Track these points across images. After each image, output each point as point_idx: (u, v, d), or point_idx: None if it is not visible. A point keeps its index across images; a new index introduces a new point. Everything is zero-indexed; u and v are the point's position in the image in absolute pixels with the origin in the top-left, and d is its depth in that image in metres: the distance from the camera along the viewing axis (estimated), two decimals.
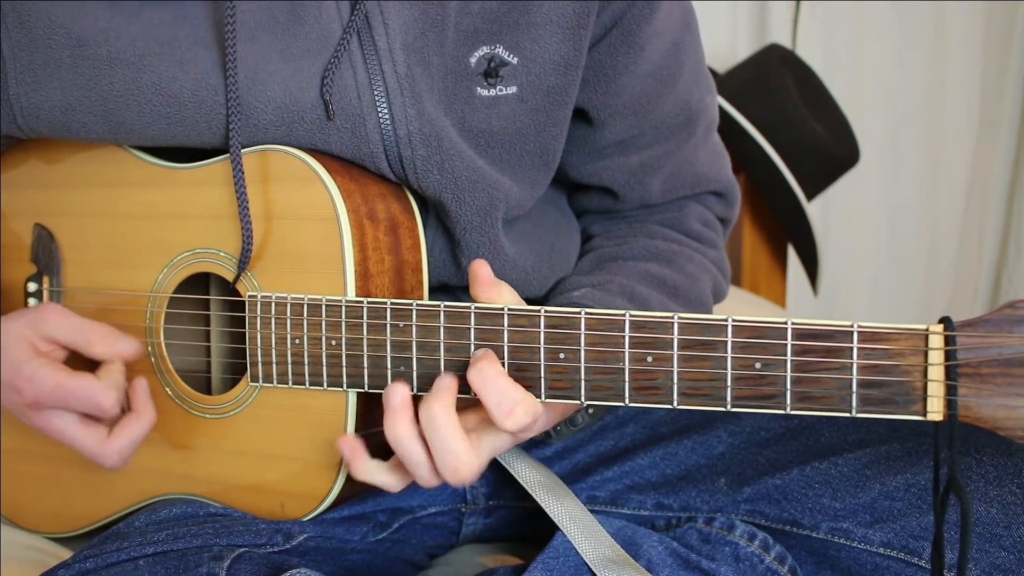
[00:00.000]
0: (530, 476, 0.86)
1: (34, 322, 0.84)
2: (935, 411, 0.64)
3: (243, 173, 0.82)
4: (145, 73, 0.82)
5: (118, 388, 0.83)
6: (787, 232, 1.96)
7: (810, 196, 1.89)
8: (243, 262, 0.82)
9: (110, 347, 0.84)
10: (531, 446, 0.98)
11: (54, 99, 0.83)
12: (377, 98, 0.83)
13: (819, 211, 2.13)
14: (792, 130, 1.83)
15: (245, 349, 0.83)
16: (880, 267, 2.35)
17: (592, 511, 0.87)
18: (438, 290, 0.95)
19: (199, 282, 0.92)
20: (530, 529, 0.97)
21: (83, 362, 0.85)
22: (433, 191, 0.86)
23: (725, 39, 2.18)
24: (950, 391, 0.63)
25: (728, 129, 1.82)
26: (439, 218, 0.90)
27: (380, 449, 0.85)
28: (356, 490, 0.85)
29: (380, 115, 0.83)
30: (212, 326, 0.95)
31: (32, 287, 0.93)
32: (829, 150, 1.87)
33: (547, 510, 0.84)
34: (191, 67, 0.82)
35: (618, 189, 0.99)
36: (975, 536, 0.76)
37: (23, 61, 0.83)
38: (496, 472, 0.98)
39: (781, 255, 2.08)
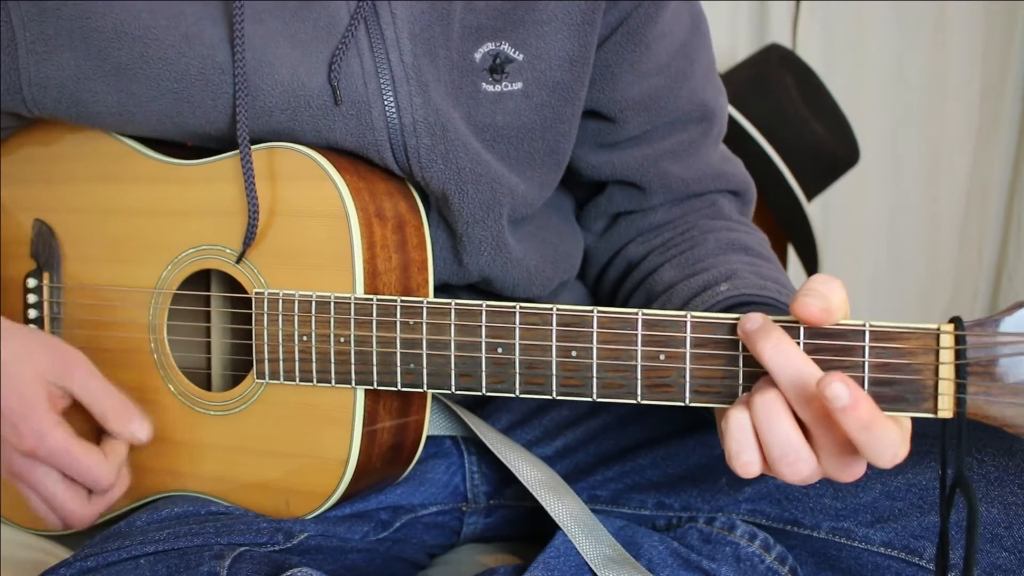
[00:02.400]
0: (531, 475, 0.86)
1: (60, 371, 0.84)
2: (945, 409, 0.64)
3: (249, 150, 0.82)
4: (151, 47, 0.82)
5: (120, 469, 0.85)
6: (787, 232, 1.96)
7: (810, 196, 1.89)
8: (248, 238, 0.82)
9: (123, 427, 0.85)
10: (532, 445, 0.98)
11: (67, 68, 0.83)
12: (383, 86, 0.83)
13: (819, 211, 2.13)
14: (792, 130, 1.83)
15: (250, 346, 0.83)
16: (880, 267, 2.35)
17: (593, 510, 0.87)
18: (439, 289, 0.94)
19: (203, 279, 0.91)
20: (531, 528, 0.97)
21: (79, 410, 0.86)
22: (437, 182, 0.86)
23: (725, 39, 2.17)
24: (960, 389, 0.63)
25: (728, 129, 1.81)
26: (441, 214, 0.90)
27: (387, 448, 0.84)
28: (361, 487, 0.85)
29: (386, 103, 0.83)
30: (216, 323, 0.94)
31: (32, 283, 0.93)
32: (829, 150, 1.87)
33: (548, 509, 0.84)
34: (197, 43, 0.82)
35: (636, 178, 0.98)
36: None
37: (34, 31, 0.83)
38: (497, 471, 0.98)
39: (781, 255, 2.08)
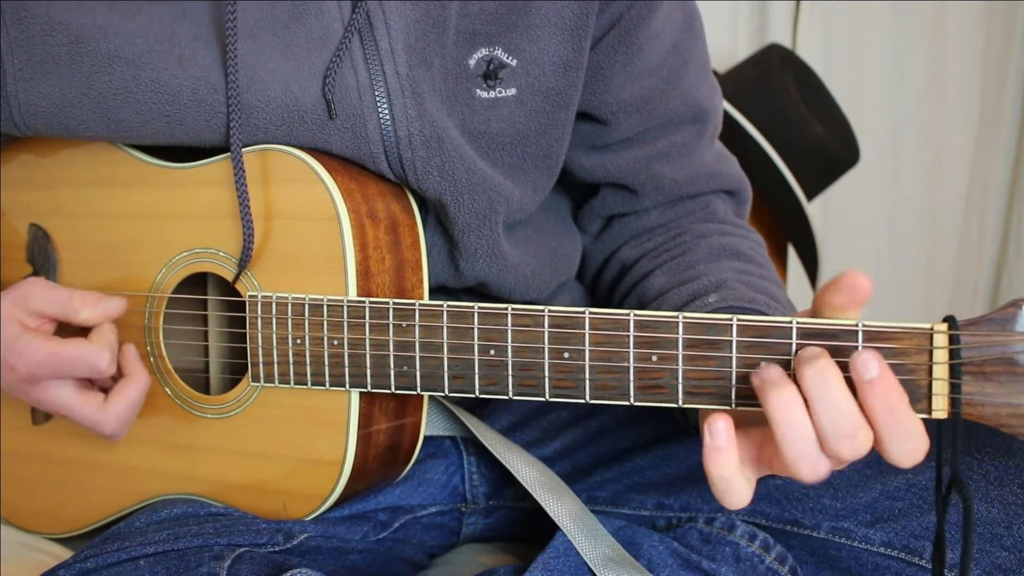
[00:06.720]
0: (530, 475, 0.86)
1: (19, 299, 0.84)
2: (940, 409, 0.64)
3: (244, 172, 0.82)
4: (144, 71, 0.82)
5: (111, 348, 0.83)
6: (787, 232, 1.95)
7: (810, 196, 1.88)
8: (244, 261, 0.82)
9: (95, 309, 0.84)
10: (531, 446, 0.98)
11: (52, 96, 0.83)
12: (378, 98, 0.83)
13: (819, 211, 2.13)
14: (792, 130, 1.83)
15: (245, 349, 0.83)
16: (880, 267, 2.35)
17: (592, 511, 0.87)
18: (437, 291, 0.94)
19: (198, 282, 0.92)
20: (530, 529, 0.97)
21: (74, 333, 0.85)
22: (433, 192, 0.86)
23: (725, 39, 2.17)
24: (954, 389, 0.63)
25: (728, 129, 1.81)
26: (438, 219, 0.90)
27: (384, 450, 0.84)
28: (358, 489, 0.85)
29: (381, 115, 0.83)
30: (212, 326, 0.95)
31: None
32: (829, 150, 1.86)
33: (547, 509, 0.84)
34: (190, 65, 0.82)
35: (628, 180, 0.98)
36: (976, 536, 0.76)
37: (22, 58, 0.83)
38: (496, 472, 0.98)
39: (781, 255, 2.08)
